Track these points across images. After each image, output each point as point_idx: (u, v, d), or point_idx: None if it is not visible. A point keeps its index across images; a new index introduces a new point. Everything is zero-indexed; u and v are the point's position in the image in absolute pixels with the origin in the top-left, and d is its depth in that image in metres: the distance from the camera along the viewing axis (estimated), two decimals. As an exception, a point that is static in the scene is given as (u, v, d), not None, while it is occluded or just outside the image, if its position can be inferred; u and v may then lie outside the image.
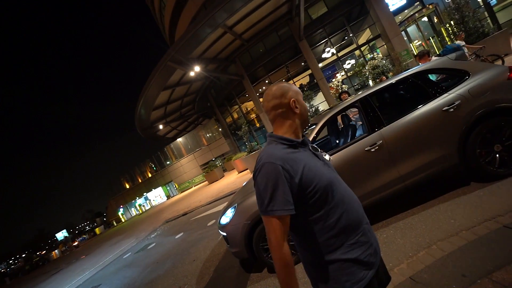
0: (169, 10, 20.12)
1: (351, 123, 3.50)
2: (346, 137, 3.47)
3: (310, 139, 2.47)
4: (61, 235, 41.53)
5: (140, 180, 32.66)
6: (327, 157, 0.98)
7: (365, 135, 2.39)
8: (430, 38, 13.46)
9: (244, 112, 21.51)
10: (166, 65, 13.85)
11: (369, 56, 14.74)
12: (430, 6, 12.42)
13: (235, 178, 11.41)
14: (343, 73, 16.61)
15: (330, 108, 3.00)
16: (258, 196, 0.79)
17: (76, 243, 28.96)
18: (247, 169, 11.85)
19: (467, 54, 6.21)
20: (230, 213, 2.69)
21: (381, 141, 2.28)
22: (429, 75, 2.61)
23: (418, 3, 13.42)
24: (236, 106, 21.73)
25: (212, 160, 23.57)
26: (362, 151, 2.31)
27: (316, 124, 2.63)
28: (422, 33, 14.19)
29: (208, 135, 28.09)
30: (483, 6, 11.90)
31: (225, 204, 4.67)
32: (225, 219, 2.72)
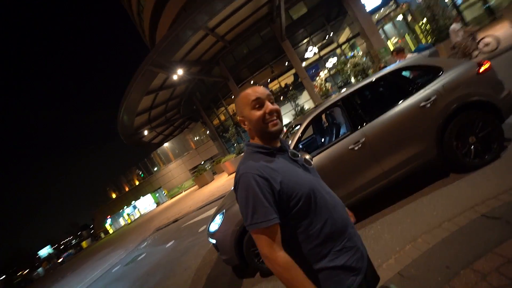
0: (147, 13, 19.54)
1: (335, 121, 3.55)
2: (331, 136, 3.52)
3: (295, 139, 2.46)
4: (44, 251, 38.88)
5: (127, 189, 31.45)
6: (308, 157, 0.93)
7: (348, 133, 2.42)
8: (406, 35, 14.12)
9: (231, 113, 21.36)
10: (148, 70, 13.42)
11: (350, 54, 15.23)
12: (404, 6, 13.03)
13: (225, 181, 11.28)
14: (326, 71, 17.00)
15: (315, 107, 3.02)
16: (242, 211, 0.75)
17: (61, 259, 27.23)
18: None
19: (461, 35, 6.35)
20: (218, 219, 2.62)
21: (363, 139, 2.32)
22: (405, 73, 2.70)
23: (392, 2, 14.03)
24: (223, 108, 21.53)
25: (201, 164, 23.17)
26: (346, 150, 2.33)
27: (300, 124, 2.63)
28: (398, 30, 14.87)
29: (195, 138, 27.58)
30: (450, 6, 12.67)
31: (216, 208, 4.59)
32: (214, 226, 2.64)
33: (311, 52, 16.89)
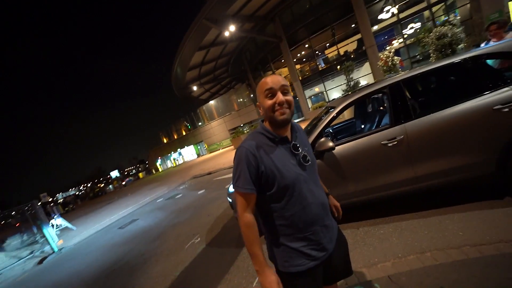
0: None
1: (380, 108, 3.12)
2: (371, 124, 3.16)
3: (322, 125, 2.32)
4: (114, 174, 50.71)
5: (175, 137, 36.01)
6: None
7: (386, 127, 2.15)
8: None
9: (277, 79, 20.52)
10: (201, 23, 13.48)
11: (442, 18, 11.65)
12: None
13: (259, 147, 11.72)
14: (401, 40, 13.92)
15: (358, 90, 2.69)
16: (232, 173, 0.92)
17: (124, 182, 35.17)
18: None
19: None
20: (236, 183, 2.91)
21: (402, 136, 2.04)
22: (490, 61, 2.06)
23: None
24: (270, 72, 20.74)
25: (240, 126, 24.14)
26: (377, 144, 2.12)
27: (334, 108, 2.43)
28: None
29: (239, 100, 28.21)
30: None
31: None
32: (232, 188, 2.96)
33: (388, 13, 13.69)
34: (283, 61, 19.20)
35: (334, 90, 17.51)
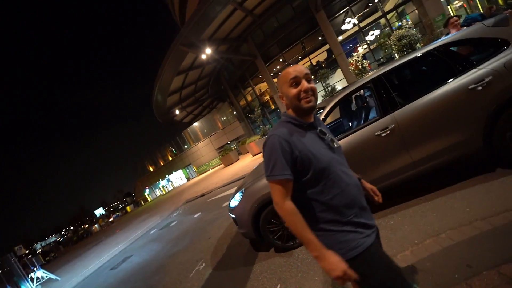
0: (177, -10, 19.38)
1: (365, 104, 3.28)
2: (359, 120, 3.29)
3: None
4: (99, 212, 47.13)
5: (162, 163, 34.82)
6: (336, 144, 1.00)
7: (376, 119, 2.24)
8: (472, -2, 11.51)
9: (258, 94, 21.09)
10: (178, 49, 13.76)
11: (397, 24, 13.07)
12: (475, -42, 10.43)
13: (249, 161, 11.64)
14: (365, 46, 15.14)
15: (342, 89, 2.81)
16: (264, 164, 0.89)
17: (111, 219, 32.71)
18: (260, 152, 11.96)
19: None
20: (238, 197, 2.80)
21: (393, 125, 2.12)
22: (457, 48, 2.28)
23: (459, -46, 11.34)
24: (250, 88, 21.32)
25: (227, 143, 24.03)
26: (372, 136, 2.19)
27: (323, 108, 2.51)
28: (463, -8, 12.15)
29: (222, 118, 28.38)
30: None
31: (237, 186, 4.88)
32: (234, 203, 2.84)
33: (349, 24, 14.98)
34: (260, 76, 19.93)
35: (313, 97, 18.29)
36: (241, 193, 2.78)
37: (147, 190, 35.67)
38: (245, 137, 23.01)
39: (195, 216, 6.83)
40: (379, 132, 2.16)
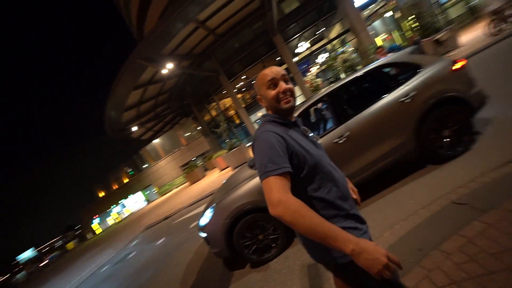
0: (135, 4, 18.76)
1: (322, 116, 3.64)
2: (318, 131, 3.62)
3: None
4: (26, 255, 37.40)
5: (115, 187, 30.71)
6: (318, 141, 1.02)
7: (333, 128, 2.51)
8: (394, 32, 14.41)
9: (223, 108, 21.18)
10: (136, 63, 13.01)
11: (340, 49, 15.38)
12: (392, 2, 13.25)
13: (217, 177, 11.29)
14: (317, 66, 17.10)
15: (301, 103, 3.08)
16: (257, 162, 0.80)
17: (46, 262, 26.43)
18: (228, 166, 11.78)
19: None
20: (209, 213, 2.67)
21: (348, 133, 2.42)
22: (388, 69, 2.80)
23: (381, -1, 14.23)
24: (214, 103, 21.28)
25: (192, 160, 22.96)
26: (331, 144, 2.43)
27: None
28: (387, 27, 15.12)
29: (186, 134, 27.20)
30: (436, 3, 12.97)
31: (207, 203, 4.63)
32: (204, 220, 2.69)
33: (303, 47, 16.90)
34: (225, 92, 20.20)
35: (276, 112, 19.31)
36: (212, 209, 2.66)
37: (97, 220, 30.57)
38: (211, 152, 22.43)
39: (158, 242, 6.13)
40: (336, 140, 2.42)
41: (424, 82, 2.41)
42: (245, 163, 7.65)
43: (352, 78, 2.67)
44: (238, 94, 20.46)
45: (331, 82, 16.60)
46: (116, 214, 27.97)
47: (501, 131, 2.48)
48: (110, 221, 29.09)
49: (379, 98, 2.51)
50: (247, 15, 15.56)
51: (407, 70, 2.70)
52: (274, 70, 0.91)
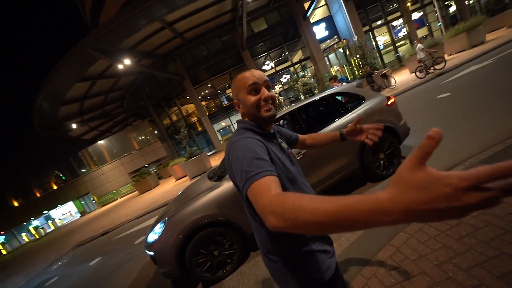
0: (91, -12, 16.83)
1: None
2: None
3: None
4: None
5: (38, 195, 24.94)
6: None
7: (293, 145, 2.69)
8: (344, 66, 16.81)
9: (185, 114, 20.25)
10: (85, 52, 11.43)
11: (301, 73, 16.98)
12: (344, 41, 15.56)
13: (173, 186, 10.46)
14: (280, 85, 18.28)
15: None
16: (237, 171, 0.67)
17: None
18: (186, 176, 11.09)
19: (423, 54, 8.09)
20: (159, 228, 2.43)
21: (304, 151, 2.62)
22: (340, 97, 3.22)
23: (336, 36, 16.56)
24: (176, 108, 20.19)
25: (145, 166, 20.78)
26: (291, 159, 2.59)
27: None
28: (339, 61, 17.54)
29: (140, 137, 24.69)
30: (375, 48, 15.91)
31: (157, 216, 4.17)
32: (153, 236, 2.42)
33: (269, 66, 17.96)
34: (188, 97, 19.46)
35: (239, 124, 19.55)
36: (162, 224, 2.43)
37: (2, 238, 23.91)
38: (167, 159, 20.80)
39: (92, 263, 5.16)
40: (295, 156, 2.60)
41: (367, 112, 2.85)
42: (204, 172, 7.33)
43: (311, 101, 2.96)
44: (202, 101, 19.97)
45: (292, 102, 17.93)
46: (34, 229, 22.48)
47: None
48: (24, 238, 23.12)
49: (332, 121, 2.84)
50: (217, 26, 15.77)
51: (354, 99, 3.16)
52: (256, 74, 0.81)
